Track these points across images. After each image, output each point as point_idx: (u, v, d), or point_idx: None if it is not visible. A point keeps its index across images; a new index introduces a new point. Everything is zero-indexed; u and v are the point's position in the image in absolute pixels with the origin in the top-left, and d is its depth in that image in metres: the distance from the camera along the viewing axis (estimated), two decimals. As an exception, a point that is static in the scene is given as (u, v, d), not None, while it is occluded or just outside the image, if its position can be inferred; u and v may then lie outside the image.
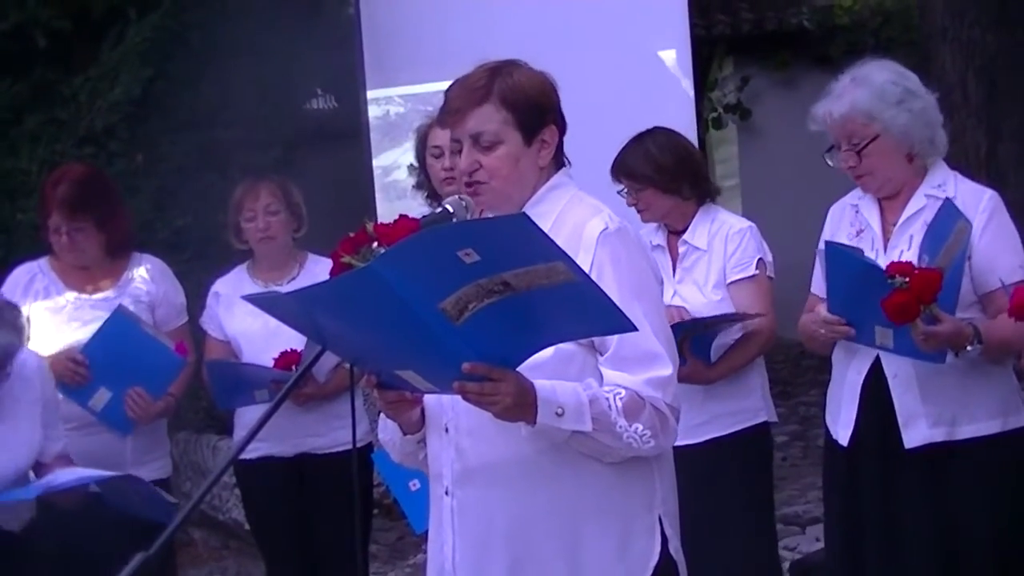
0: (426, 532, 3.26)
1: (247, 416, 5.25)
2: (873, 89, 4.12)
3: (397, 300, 2.58)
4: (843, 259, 3.99)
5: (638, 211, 4.84)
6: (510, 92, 3.08)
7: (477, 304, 2.60)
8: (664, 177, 4.78)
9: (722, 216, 4.89)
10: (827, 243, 4.07)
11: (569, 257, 2.58)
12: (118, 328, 4.86)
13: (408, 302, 2.59)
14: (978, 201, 4.07)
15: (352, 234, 3.05)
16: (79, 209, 4.89)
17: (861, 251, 4.09)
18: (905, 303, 3.75)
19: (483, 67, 3.14)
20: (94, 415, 4.91)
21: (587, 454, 2.98)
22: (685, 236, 4.84)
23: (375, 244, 3.00)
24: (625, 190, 4.84)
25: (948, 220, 3.92)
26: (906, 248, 4.09)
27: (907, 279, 3.76)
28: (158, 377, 4.95)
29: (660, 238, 4.90)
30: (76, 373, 4.83)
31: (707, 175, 5.00)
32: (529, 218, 2.54)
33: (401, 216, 3.06)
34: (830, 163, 4.24)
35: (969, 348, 3.91)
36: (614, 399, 2.93)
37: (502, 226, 2.66)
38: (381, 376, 2.94)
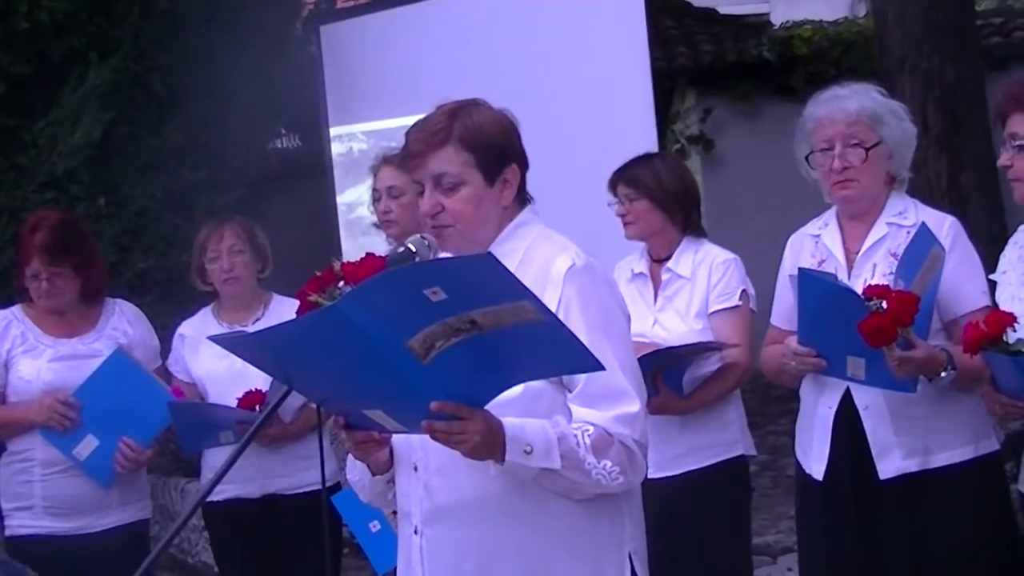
0: (390, 572, 3.24)
1: (214, 458, 5.22)
2: (878, 99, 4.17)
3: (364, 339, 2.58)
4: (816, 285, 3.96)
5: (625, 224, 4.84)
6: (470, 134, 3.08)
7: (444, 343, 2.60)
8: (663, 195, 4.78)
9: (707, 247, 4.87)
10: (800, 269, 4.04)
11: (536, 297, 2.58)
12: (116, 370, 4.87)
13: (375, 341, 2.58)
14: (940, 228, 4.07)
15: (319, 273, 3.04)
16: (59, 255, 4.90)
17: (834, 276, 4.08)
18: (882, 325, 3.73)
19: (442, 109, 3.14)
20: (77, 464, 4.89)
21: (556, 492, 2.98)
22: (669, 264, 4.83)
23: (341, 283, 2.99)
24: (617, 201, 4.85)
25: (924, 245, 3.92)
26: (870, 276, 4.09)
27: (884, 302, 3.75)
28: (149, 423, 4.95)
29: (643, 266, 4.90)
30: (65, 418, 4.81)
31: (700, 213, 4.99)
32: (495, 258, 2.54)
33: (368, 254, 3.05)
34: (812, 169, 4.20)
35: (943, 374, 3.92)
36: (582, 436, 2.93)
37: (469, 265, 2.66)
38: (349, 416, 2.93)
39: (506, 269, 2.56)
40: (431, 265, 2.77)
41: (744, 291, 4.78)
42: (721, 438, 4.76)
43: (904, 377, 3.88)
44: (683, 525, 4.65)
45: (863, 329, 3.75)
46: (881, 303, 3.75)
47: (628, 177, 4.85)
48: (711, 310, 4.75)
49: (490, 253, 2.57)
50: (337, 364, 2.71)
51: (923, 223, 4.02)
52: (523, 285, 2.56)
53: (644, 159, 4.94)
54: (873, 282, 4.01)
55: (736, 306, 4.75)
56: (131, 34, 8.14)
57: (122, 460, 4.88)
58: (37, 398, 4.89)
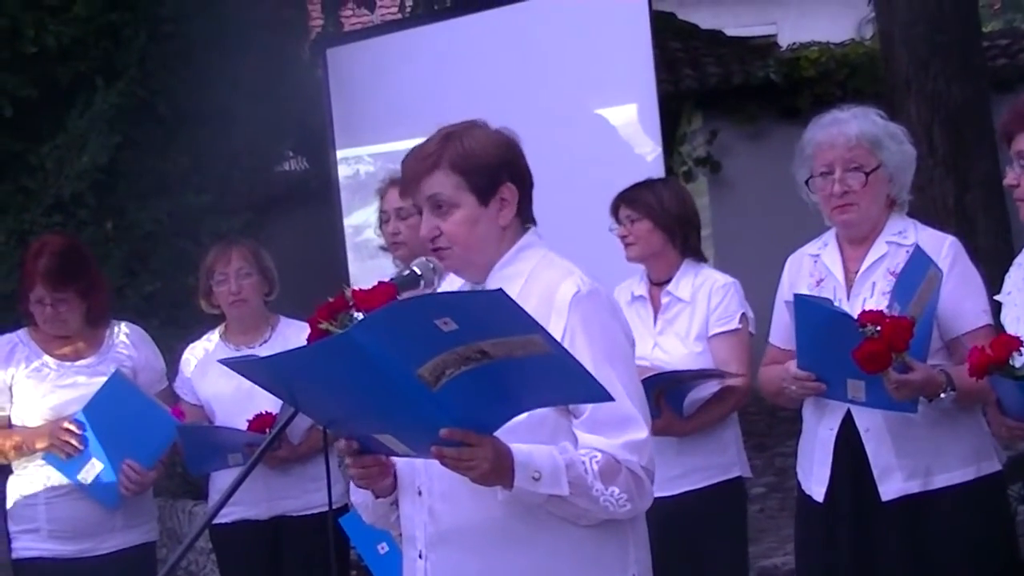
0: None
1: (222, 480, 5.22)
2: (877, 123, 4.16)
3: (374, 366, 2.59)
4: (812, 310, 3.96)
5: (626, 245, 4.88)
6: (461, 157, 3.10)
7: (454, 370, 2.61)
8: (664, 216, 4.83)
9: (706, 271, 4.93)
10: (795, 295, 4.05)
11: (546, 331, 2.60)
12: (116, 392, 4.86)
13: (385, 368, 2.60)
14: (940, 248, 4.08)
15: (330, 299, 3.04)
16: (62, 280, 4.90)
17: (829, 301, 4.08)
18: (876, 352, 3.73)
19: (438, 133, 3.16)
20: (82, 488, 4.89)
21: (563, 517, 2.98)
22: (669, 287, 4.88)
23: (353, 310, 3.00)
24: (618, 224, 4.89)
25: (919, 268, 3.91)
26: (868, 296, 4.10)
27: (878, 327, 3.75)
28: (152, 444, 4.94)
29: (643, 289, 4.94)
30: (69, 443, 4.81)
31: (699, 238, 5.04)
32: (506, 294, 2.55)
33: (380, 282, 3.06)
34: (811, 193, 4.20)
35: (943, 395, 3.91)
36: (590, 463, 2.93)
37: (480, 300, 2.68)
38: (359, 439, 2.93)
39: (516, 304, 2.57)
40: (442, 297, 2.78)
41: (743, 314, 4.83)
42: (719, 460, 4.81)
43: (903, 399, 3.88)
44: (680, 545, 4.66)
45: (857, 356, 3.75)
46: (876, 329, 3.74)
47: (629, 199, 4.90)
48: (711, 333, 4.80)
49: (501, 290, 2.58)
50: (347, 390, 2.72)
51: (917, 245, 4.01)
52: (534, 320, 2.58)
53: (646, 183, 5.00)
54: (872, 301, 4.02)
55: (736, 329, 4.80)
56: (137, 58, 8.15)
57: (126, 482, 4.87)
58: (41, 424, 4.89)
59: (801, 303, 3.98)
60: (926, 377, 3.86)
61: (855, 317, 3.85)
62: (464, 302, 2.67)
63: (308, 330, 3.16)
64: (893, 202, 4.21)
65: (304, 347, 2.80)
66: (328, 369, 2.68)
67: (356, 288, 3.04)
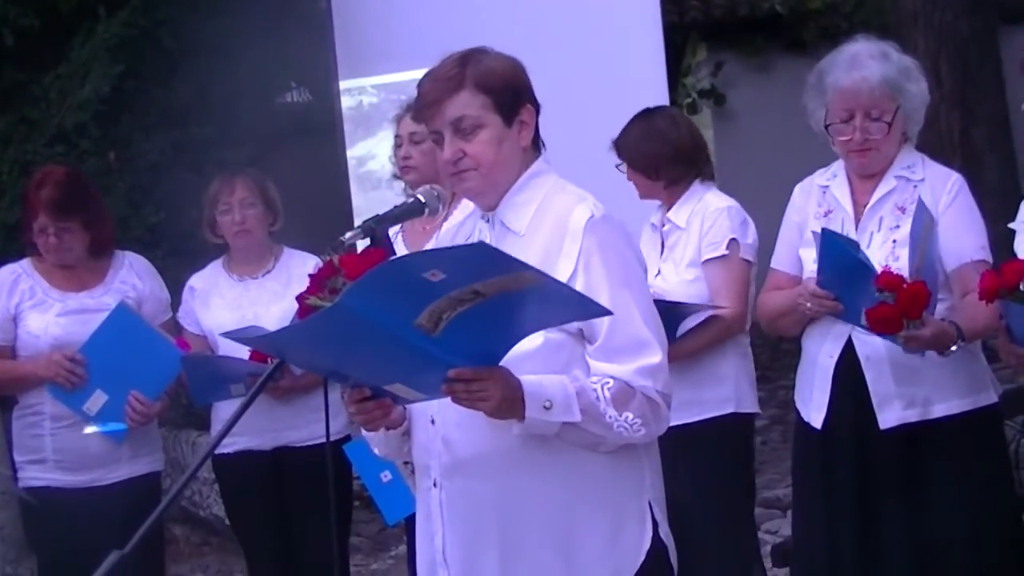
0: (403, 523, 3.25)
1: (224, 411, 5.22)
2: (895, 63, 4.15)
3: (372, 327, 2.62)
4: (837, 250, 3.95)
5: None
6: (484, 76, 3.08)
7: (451, 313, 2.63)
8: (640, 160, 4.85)
9: (707, 197, 4.86)
10: (824, 231, 4.02)
11: (535, 268, 2.61)
12: (120, 324, 4.85)
13: (383, 326, 2.62)
14: (945, 183, 4.13)
15: (322, 260, 3.05)
16: (66, 210, 4.89)
17: (856, 245, 4.05)
18: (889, 317, 3.79)
19: (451, 57, 3.13)
20: (87, 420, 4.88)
21: (581, 446, 2.99)
22: (669, 214, 4.86)
23: (341, 276, 3.00)
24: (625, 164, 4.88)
25: (920, 219, 3.95)
26: (876, 230, 4.13)
27: (895, 294, 3.76)
28: (157, 376, 4.93)
29: (658, 217, 4.94)
30: (72, 374, 4.81)
31: (692, 161, 4.94)
32: (487, 245, 2.58)
33: (368, 249, 3.05)
34: (832, 136, 4.18)
35: (954, 348, 3.94)
36: (602, 389, 2.95)
37: (462, 253, 2.71)
38: (369, 388, 2.95)
39: (499, 251, 2.60)
40: (426, 254, 2.77)
41: (734, 240, 4.75)
42: (711, 395, 4.76)
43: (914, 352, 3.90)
44: (675, 477, 4.64)
45: (870, 318, 3.80)
46: (892, 295, 3.77)
47: (615, 146, 4.93)
48: (703, 259, 4.76)
49: (481, 242, 2.60)
50: (351, 351, 2.75)
51: (920, 200, 4.02)
52: (518, 261, 2.60)
53: (629, 124, 4.95)
54: (879, 235, 4.09)
55: (723, 255, 4.74)
56: (139, -13, 8.13)
57: (132, 414, 4.88)
58: (44, 354, 4.90)
59: (828, 240, 3.97)
60: (936, 332, 3.89)
61: (876, 272, 3.85)
62: (448, 256, 2.69)
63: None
64: (906, 138, 4.21)
65: (299, 323, 2.81)
66: (328, 338, 2.70)
67: (344, 255, 3.02)
